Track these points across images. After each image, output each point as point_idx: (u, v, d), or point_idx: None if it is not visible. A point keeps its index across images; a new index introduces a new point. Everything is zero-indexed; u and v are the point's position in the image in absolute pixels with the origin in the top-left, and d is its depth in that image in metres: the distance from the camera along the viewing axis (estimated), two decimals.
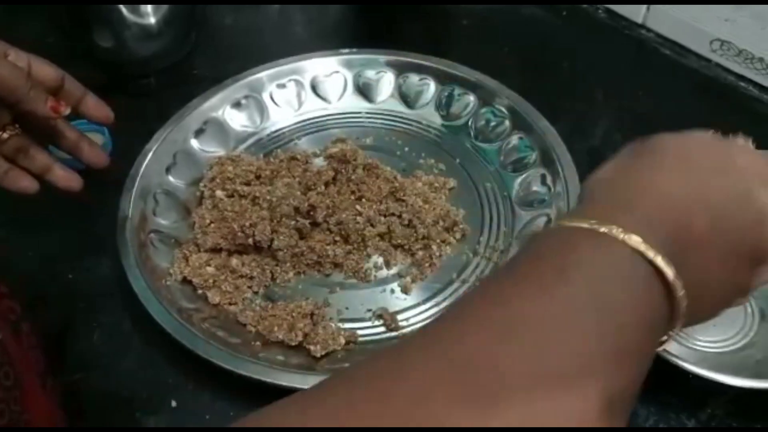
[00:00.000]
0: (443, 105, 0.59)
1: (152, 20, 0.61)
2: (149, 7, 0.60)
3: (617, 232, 0.25)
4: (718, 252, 0.28)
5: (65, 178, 0.48)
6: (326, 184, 0.50)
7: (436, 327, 0.24)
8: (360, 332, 0.45)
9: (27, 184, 0.46)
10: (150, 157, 0.52)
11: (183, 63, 0.65)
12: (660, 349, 0.27)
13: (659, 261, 0.24)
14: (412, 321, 0.46)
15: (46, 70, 0.46)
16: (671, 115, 0.60)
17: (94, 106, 0.49)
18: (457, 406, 0.20)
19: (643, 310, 0.24)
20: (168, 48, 0.63)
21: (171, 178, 0.53)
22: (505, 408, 0.20)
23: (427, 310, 0.46)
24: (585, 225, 0.25)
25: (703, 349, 0.44)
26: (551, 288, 0.23)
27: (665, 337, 0.27)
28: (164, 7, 0.61)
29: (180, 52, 0.65)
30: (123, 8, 0.59)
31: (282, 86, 0.59)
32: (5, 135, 0.45)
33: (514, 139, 0.55)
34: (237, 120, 0.58)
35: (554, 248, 0.26)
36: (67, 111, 0.45)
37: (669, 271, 0.25)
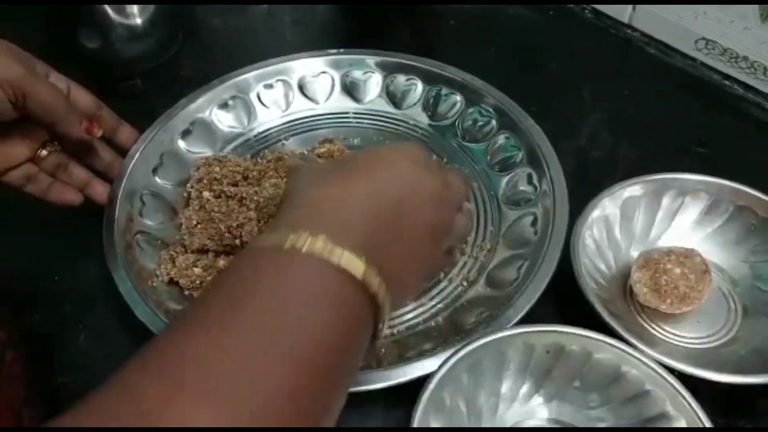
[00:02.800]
0: (430, 105, 0.59)
1: (138, 21, 0.60)
2: (135, 8, 0.60)
3: (303, 243, 0.26)
4: (403, 238, 0.31)
5: (104, 193, 0.50)
6: None
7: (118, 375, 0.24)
8: None
9: (72, 197, 0.49)
10: (136, 158, 0.52)
11: (170, 64, 0.65)
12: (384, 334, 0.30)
13: (344, 262, 0.26)
14: (398, 321, 0.46)
15: (84, 97, 0.48)
16: (657, 114, 0.60)
17: (128, 135, 0.52)
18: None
19: (339, 318, 0.26)
20: (154, 49, 0.63)
21: (158, 179, 0.53)
22: None
23: (413, 309, 0.46)
24: (269, 245, 0.27)
25: (688, 346, 0.44)
26: (235, 324, 0.24)
27: (380, 325, 0.29)
28: (150, 8, 0.61)
29: (167, 53, 0.65)
30: (109, 9, 0.59)
31: (269, 87, 0.59)
32: (45, 152, 0.47)
33: (501, 139, 0.55)
34: (224, 121, 0.58)
35: (243, 276, 0.26)
36: (100, 133, 0.47)
37: (358, 270, 0.26)
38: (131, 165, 0.51)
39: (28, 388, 0.42)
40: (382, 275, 0.28)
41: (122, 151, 0.52)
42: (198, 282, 0.46)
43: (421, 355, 0.41)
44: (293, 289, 0.26)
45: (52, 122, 0.43)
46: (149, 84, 0.63)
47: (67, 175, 0.49)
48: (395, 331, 0.45)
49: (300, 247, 0.26)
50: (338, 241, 0.27)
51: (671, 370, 0.38)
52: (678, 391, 0.36)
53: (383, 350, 0.43)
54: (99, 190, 0.50)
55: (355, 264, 0.27)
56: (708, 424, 0.35)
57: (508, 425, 0.40)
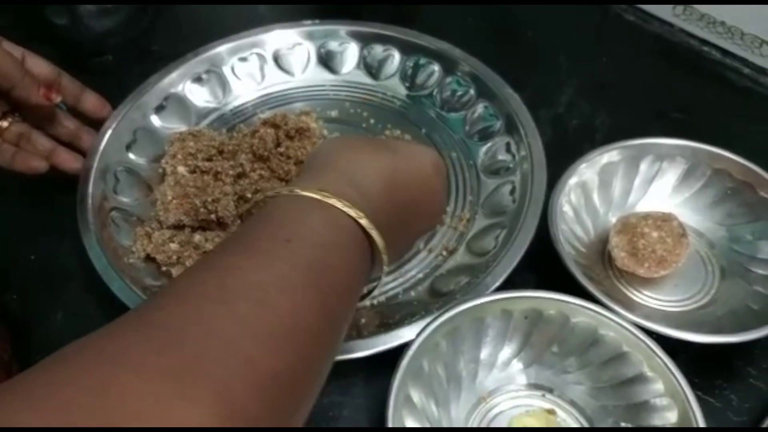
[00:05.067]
0: (408, 76, 0.58)
1: None
2: None
3: (343, 205, 0.30)
4: (408, 217, 0.36)
5: (70, 159, 0.49)
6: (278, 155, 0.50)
7: (166, 294, 0.26)
8: None
9: (37, 164, 0.48)
10: (109, 135, 0.51)
11: (141, 39, 0.63)
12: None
13: (374, 234, 0.31)
14: (379, 291, 0.45)
15: (40, 64, 0.47)
16: (635, 80, 0.60)
17: (95, 102, 0.51)
18: (153, 372, 0.21)
19: (355, 270, 0.31)
20: (125, 23, 0.61)
21: (132, 156, 0.52)
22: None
23: (394, 279, 0.46)
24: (317, 196, 0.30)
25: (666, 309, 0.44)
26: (277, 259, 0.27)
27: (374, 284, 0.36)
28: None
29: (137, 28, 0.63)
30: None
31: (243, 60, 0.58)
32: (5, 123, 0.47)
33: (480, 108, 0.55)
34: (198, 95, 0.57)
35: (286, 216, 0.30)
36: (58, 99, 0.46)
37: (380, 242, 0.31)
38: (104, 142, 0.51)
39: (5, 368, 0.41)
40: (383, 236, 0.32)
41: (91, 121, 0.51)
42: (175, 258, 0.46)
43: (401, 323, 0.40)
44: (322, 225, 0.30)
45: (8, 87, 0.43)
46: (120, 59, 0.62)
47: (31, 144, 0.48)
48: (375, 301, 0.45)
49: (329, 200, 0.30)
50: (360, 203, 0.31)
51: (649, 333, 0.38)
52: (654, 352, 0.37)
53: (364, 320, 0.43)
54: (64, 157, 0.49)
55: (379, 242, 0.31)
56: (684, 383, 0.35)
57: (487, 391, 0.40)
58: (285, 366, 0.24)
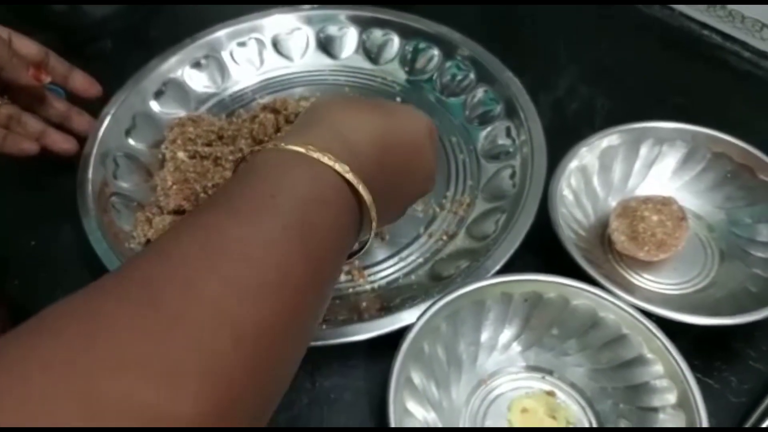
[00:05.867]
0: (408, 60, 0.58)
1: None
2: None
3: (328, 160, 0.29)
4: (399, 179, 0.35)
5: (61, 140, 0.49)
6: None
7: (146, 252, 0.25)
8: None
9: (28, 146, 0.48)
10: (109, 121, 0.51)
11: (139, 24, 0.63)
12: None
13: (361, 189, 0.30)
14: (379, 275, 0.46)
15: (28, 45, 0.47)
16: (635, 64, 0.60)
17: (82, 81, 0.50)
18: (134, 332, 0.21)
19: (341, 226, 0.30)
20: (123, 9, 0.61)
21: (131, 141, 0.52)
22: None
23: (394, 264, 0.46)
24: (302, 149, 0.29)
25: (665, 292, 0.45)
26: (261, 214, 0.26)
27: (365, 240, 0.34)
28: None
29: (136, 13, 0.63)
30: None
31: (242, 45, 0.58)
32: None
33: (479, 93, 0.55)
34: (197, 80, 0.57)
35: (270, 171, 0.29)
36: (48, 79, 0.46)
37: (368, 198, 0.30)
38: (103, 127, 0.51)
39: (12, 323, 0.41)
40: (374, 196, 0.31)
41: (79, 100, 0.51)
42: None
43: (402, 307, 0.41)
44: (307, 179, 0.29)
45: None
46: (119, 45, 0.62)
47: (21, 126, 0.48)
48: (377, 285, 0.45)
49: (314, 154, 0.29)
50: (347, 159, 0.30)
51: (649, 315, 0.38)
52: (654, 334, 0.37)
53: (364, 303, 0.44)
54: (55, 138, 0.49)
55: (366, 197, 0.30)
56: (683, 365, 0.36)
57: (488, 373, 0.40)
58: (269, 323, 0.24)
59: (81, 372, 0.19)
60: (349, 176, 0.29)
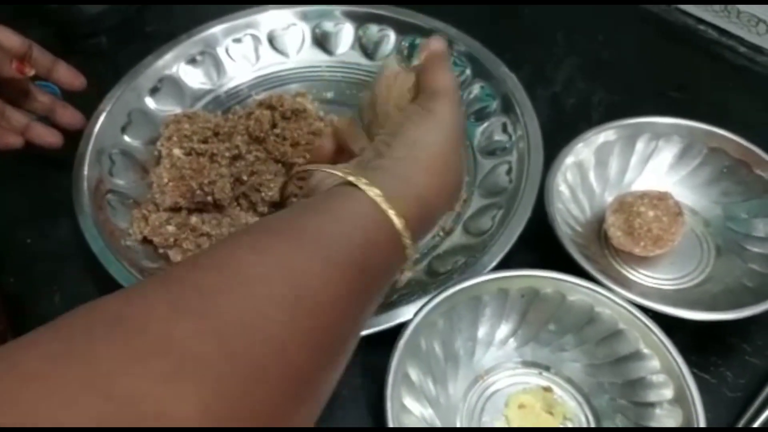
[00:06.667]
0: (404, 56, 0.58)
1: None
2: None
3: (410, 244, 0.30)
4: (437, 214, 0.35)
5: (45, 134, 0.49)
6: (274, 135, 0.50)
7: (179, 271, 0.25)
8: None
9: (12, 140, 0.47)
10: (104, 117, 0.51)
11: (134, 20, 0.63)
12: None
13: (408, 249, 0.31)
14: None
15: (10, 37, 0.46)
16: (631, 59, 0.60)
17: (66, 73, 0.49)
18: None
19: (385, 289, 0.31)
20: (117, 4, 0.61)
21: (127, 138, 0.52)
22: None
23: None
24: (398, 225, 0.30)
25: (661, 287, 0.45)
26: (335, 257, 0.27)
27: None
28: None
29: (130, 9, 0.63)
30: None
31: (238, 41, 0.58)
32: None
33: (476, 88, 0.55)
34: (193, 77, 0.56)
35: (356, 224, 0.29)
36: (31, 72, 0.46)
37: (411, 249, 0.31)
38: (99, 124, 0.50)
39: (8, 318, 0.42)
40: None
41: (74, 97, 0.50)
42: (172, 240, 0.46)
43: (399, 303, 0.41)
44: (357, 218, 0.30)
45: None
46: (114, 41, 0.61)
47: (6, 120, 0.47)
48: None
49: (401, 227, 0.30)
50: (410, 223, 0.31)
51: (645, 311, 0.38)
52: (650, 329, 0.37)
53: None
54: (40, 132, 0.49)
55: (409, 246, 0.31)
56: (680, 360, 0.36)
57: (484, 369, 0.40)
58: (313, 365, 0.24)
59: (118, 374, 0.19)
60: (410, 257, 0.31)
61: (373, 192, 0.30)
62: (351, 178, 0.31)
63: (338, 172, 0.31)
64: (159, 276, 0.24)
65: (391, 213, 0.30)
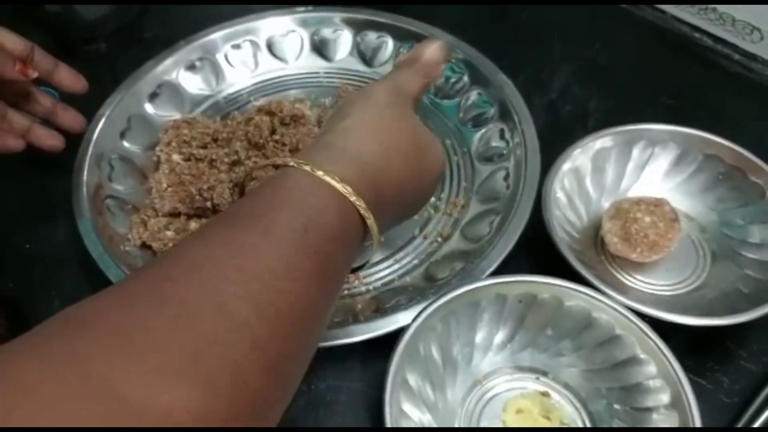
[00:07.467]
0: None
1: None
2: None
3: (356, 200, 0.31)
4: (401, 215, 0.38)
5: (47, 137, 0.49)
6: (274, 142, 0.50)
7: (176, 264, 0.26)
8: None
9: (13, 143, 0.47)
10: (103, 123, 0.51)
11: (133, 25, 0.63)
12: None
13: (375, 240, 0.32)
14: (374, 277, 0.46)
15: (12, 39, 0.46)
16: (627, 66, 0.60)
17: (68, 76, 0.50)
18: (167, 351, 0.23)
19: (350, 262, 0.32)
20: (117, 10, 0.61)
21: (126, 144, 0.52)
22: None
23: (389, 266, 0.47)
24: (341, 190, 0.30)
25: (658, 293, 0.45)
26: (292, 247, 0.27)
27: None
28: None
29: (129, 14, 0.63)
30: None
31: (237, 47, 0.58)
32: None
33: (473, 95, 0.55)
34: (192, 83, 0.57)
35: (306, 202, 0.30)
36: (34, 74, 0.46)
37: (369, 217, 0.31)
38: (98, 129, 0.50)
39: (9, 322, 0.42)
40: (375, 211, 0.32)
41: (74, 100, 0.51)
42: (171, 245, 0.46)
43: (397, 308, 0.41)
44: (336, 217, 0.30)
45: None
46: (113, 46, 0.62)
47: (7, 123, 0.47)
48: (372, 287, 0.46)
49: (346, 194, 0.31)
50: (371, 203, 0.31)
51: (642, 316, 0.38)
52: (647, 334, 0.37)
53: (360, 305, 0.44)
54: (41, 135, 0.49)
55: (367, 216, 0.32)
56: (676, 366, 0.36)
57: (483, 374, 0.41)
58: (290, 351, 0.26)
59: (114, 388, 0.21)
60: (373, 229, 0.32)
61: (304, 164, 0.31)
62: (279, 161, 0.32)
63: (278, 161, 0.32)
64: (140, 287, 0.26)
65: (327, 177, 0.30)
